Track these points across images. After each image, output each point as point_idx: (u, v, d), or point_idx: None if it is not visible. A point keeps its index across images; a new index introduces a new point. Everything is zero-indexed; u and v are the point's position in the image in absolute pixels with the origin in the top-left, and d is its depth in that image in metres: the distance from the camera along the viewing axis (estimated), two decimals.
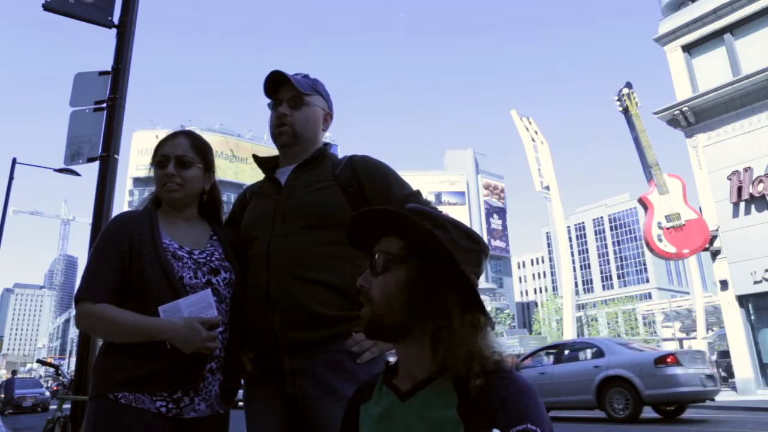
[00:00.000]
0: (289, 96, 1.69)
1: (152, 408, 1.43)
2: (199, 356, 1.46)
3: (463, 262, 0.95)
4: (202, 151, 1.71)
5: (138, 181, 76.71)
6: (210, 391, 1.53)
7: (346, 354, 1.48)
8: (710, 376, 9.75)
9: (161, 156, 1.65)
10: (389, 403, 1.01)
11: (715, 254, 15.94)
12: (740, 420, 9.47)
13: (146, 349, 1.44)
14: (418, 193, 1.69)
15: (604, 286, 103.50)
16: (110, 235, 1.57)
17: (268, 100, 1.75)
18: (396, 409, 0.99)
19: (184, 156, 1.65)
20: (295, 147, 1.72)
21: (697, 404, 13.09)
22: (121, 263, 1.52)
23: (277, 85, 1.72)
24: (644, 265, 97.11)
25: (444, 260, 0.94)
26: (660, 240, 16.58)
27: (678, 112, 16.67)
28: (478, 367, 0.91)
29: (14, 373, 27.27)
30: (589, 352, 10.62)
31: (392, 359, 1.09)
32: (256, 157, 1.84)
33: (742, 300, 15.11)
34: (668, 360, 9.29)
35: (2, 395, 21.08)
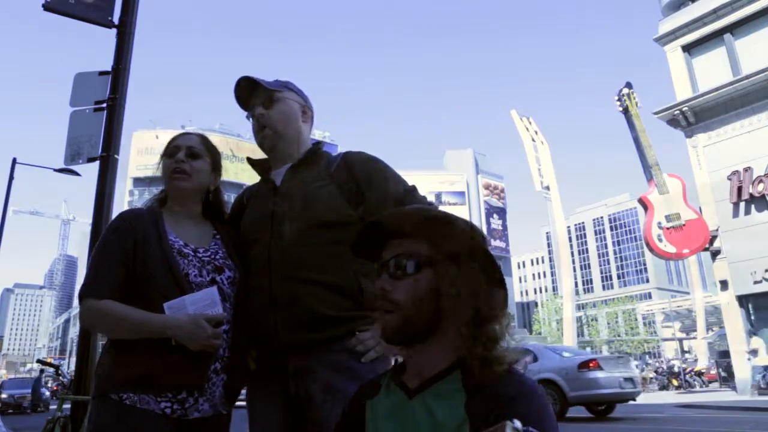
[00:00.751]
0: (261, 99, 1.71)
1: (157, 409, 1.42)
2: (204, 355, 1.45)
3: None
4: (211, 150, 1.76)
5: (138, 181, 76.61)
6: (214, 392, 1.51)
7: (349, 353, 1.47)
8: (629, 379, 10.59)
9: (173, 147, 1.69)
10: (398, 400, 1.01)
11: (715, 254, 15.93)
12: (740, 420, 9.48)
13: (149, 349, 1.42)
14: (414, 189, 1.69)
15: (604, 286, 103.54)
16: (115, 231, 1.56)
17: (245, 113, 1.77)
18: (404, 406, 0.99)
19: (194, 147, 1.69)
20: (281, 145, 1.72)
21: (695, 404, 13.13)
22: (126, 259, 1.50)
23: (248, 93, 1.74)
24: (644, 265, 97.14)
25: (482, 264, 0.96)
26: (660, 240, 16.57)
27: (678, 112, 16.67)
28: (494, 365, 0.92)
29: (42, 372, 27.40)
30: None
31: (399, 357, 1.10)
32: (250, 160, 1.83)
33: (742, 300, 15.11)
34: (590, 365, 10.17)
35: (3, 395, 21.04)
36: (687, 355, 34.86)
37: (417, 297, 0.96)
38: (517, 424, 0.68)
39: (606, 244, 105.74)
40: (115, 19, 4.53)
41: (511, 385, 0.91)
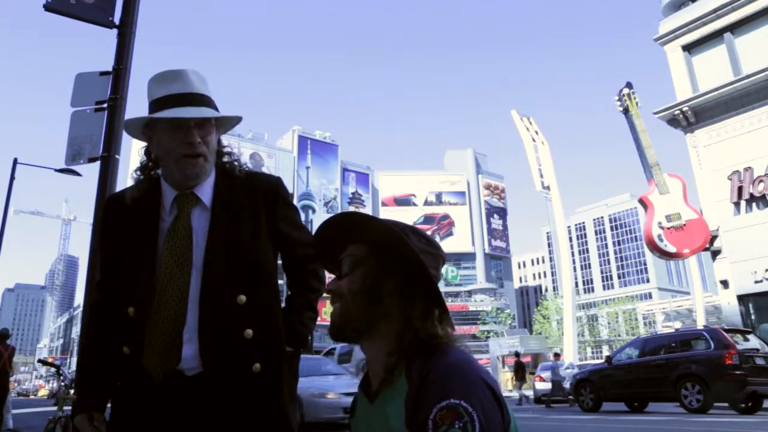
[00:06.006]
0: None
1: None
2: None
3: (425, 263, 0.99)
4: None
5: None
6: None
7: None
8: None
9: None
10: (364, 408, 1.03)
11: (715, 254, 15.95)
12: (740, 421, 9.48)
13: None
14: None
15: (604, 286, 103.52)
16: None
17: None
18: (367, 412, 1.01)
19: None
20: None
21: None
22: None
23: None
24: (645, 265, 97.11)
25: (406, 258, 0.98)
26: (660, 240, 16.59)
27: (678, 111, 16.69)
28: (420, 352, 0.93)
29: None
30: None
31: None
32: None
33: (743, 299, 15.12)
34: None
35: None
36: None
37: (353, 291, 1.00)
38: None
39: (606, 244, 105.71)
40: (116, 19, 4.54)
41: (431, 362, 0.89)
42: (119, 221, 1.48)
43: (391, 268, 1.00)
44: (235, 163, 1.54)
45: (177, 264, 1.38)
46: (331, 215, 1.10)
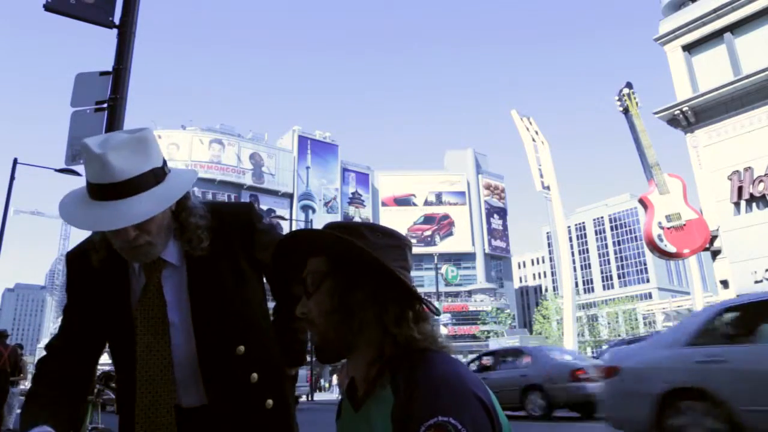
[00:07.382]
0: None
1: None
2: None
3: (388, 259, 0.94)
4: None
5: None
6: None
7: None
8: None
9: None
10: (349, 415, 1.01)
11: (715, 254, 15.94)
12: None
13: None
14: None
15: (604, 286, 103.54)
16: None
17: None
18: (352, 421, 0.99)
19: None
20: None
21: None
22: None
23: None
24: (645, 265, 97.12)
25: (366, 263, 0.93)
26: (660, 240, 16.58)
27: (678, 111, 16.68)
28: (404, 360, 0.90)
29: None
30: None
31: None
32: None
33: None
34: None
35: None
36: None
37: (323, 312, 0.96)
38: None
39: (606, 244, 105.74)
40: (116, 19, 4.55)
41: (417, 375, 0.85)
42: (85, 279, 1.40)
43: (356, 277, 0.95)
44: (197, 229, 1.36)
45: (152, 331, 1.34)
46: (286, 234, 1.04)
